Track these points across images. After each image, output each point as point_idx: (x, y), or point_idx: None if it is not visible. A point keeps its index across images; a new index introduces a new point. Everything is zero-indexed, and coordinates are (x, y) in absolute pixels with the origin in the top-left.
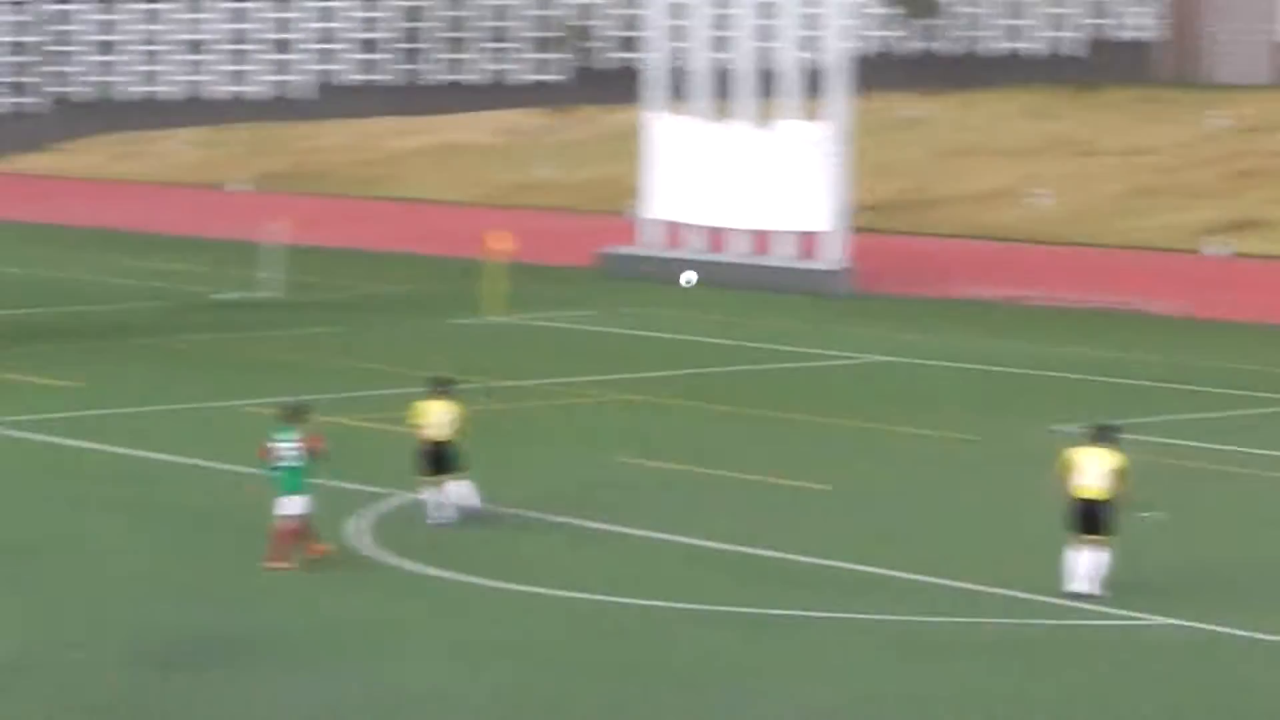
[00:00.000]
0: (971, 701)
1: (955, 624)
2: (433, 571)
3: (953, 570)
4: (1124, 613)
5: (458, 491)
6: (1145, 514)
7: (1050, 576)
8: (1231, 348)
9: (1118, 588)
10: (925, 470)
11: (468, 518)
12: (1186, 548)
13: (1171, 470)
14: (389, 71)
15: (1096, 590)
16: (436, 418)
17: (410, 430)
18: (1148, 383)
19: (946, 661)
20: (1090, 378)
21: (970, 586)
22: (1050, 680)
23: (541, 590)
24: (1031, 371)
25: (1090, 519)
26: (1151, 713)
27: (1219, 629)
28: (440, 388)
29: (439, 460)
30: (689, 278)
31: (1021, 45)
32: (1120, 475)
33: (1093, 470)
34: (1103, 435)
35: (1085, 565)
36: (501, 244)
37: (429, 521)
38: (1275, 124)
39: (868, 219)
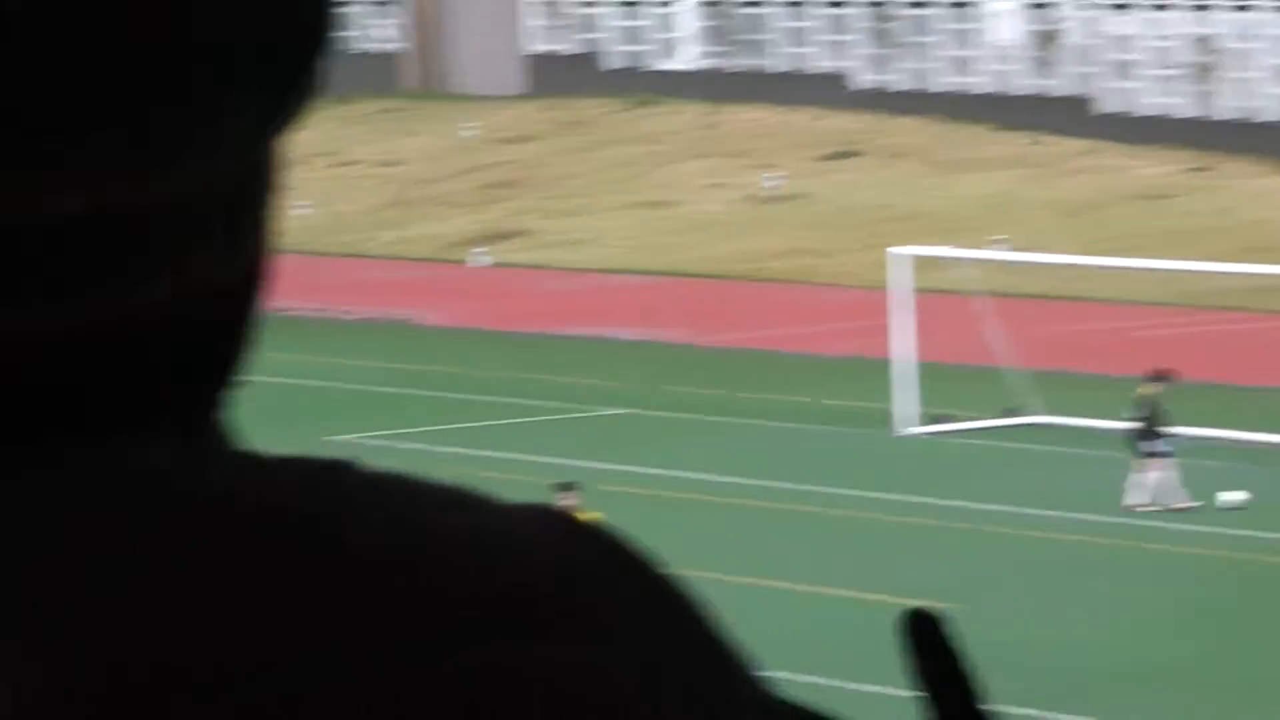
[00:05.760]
0: None
1: None
2: None
3: None
4: None
5: None
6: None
7: None
8: (503, 356)
9: None
10: None
11: None
12: None
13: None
14: None
15: None
16: None
17: None
18: (428, 392)
19: None
20: (370, 388)
21: None
22: None
23: None
24: (303, 382)
25: None
26: None
27: None
28: None
29: None
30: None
31: None
32: None
33: None
34: None
35: None
36: None
37: None
38: (524, 134)
39: None
